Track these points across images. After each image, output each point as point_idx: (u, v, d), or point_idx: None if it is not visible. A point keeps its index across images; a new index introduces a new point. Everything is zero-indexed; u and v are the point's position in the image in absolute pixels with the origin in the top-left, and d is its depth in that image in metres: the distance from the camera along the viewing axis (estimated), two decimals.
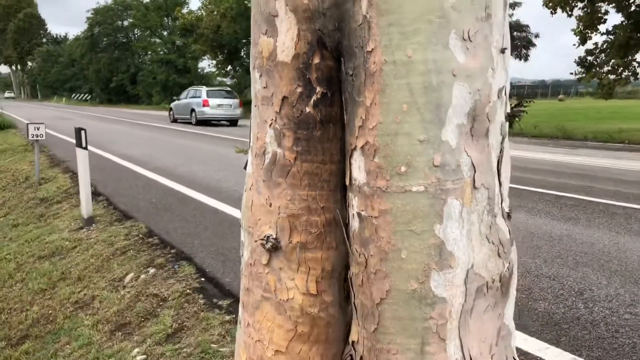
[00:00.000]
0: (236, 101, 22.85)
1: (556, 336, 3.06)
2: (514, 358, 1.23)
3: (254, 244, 1.31)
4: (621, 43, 16.68)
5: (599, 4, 16.92)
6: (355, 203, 1.13)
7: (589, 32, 17.32)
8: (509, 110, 1.18)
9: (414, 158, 1.03)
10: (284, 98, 1.19)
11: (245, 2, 28.53)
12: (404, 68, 1.02)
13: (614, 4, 16.61)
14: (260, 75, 1.24)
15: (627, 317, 3.30)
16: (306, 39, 1.16)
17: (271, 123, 1.23)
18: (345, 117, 1.16)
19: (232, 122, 22.71)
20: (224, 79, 49.21)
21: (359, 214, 1.11)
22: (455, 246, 1.06)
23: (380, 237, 1.07)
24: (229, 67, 37.18)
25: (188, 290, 3.95)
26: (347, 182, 1.16)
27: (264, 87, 1.24)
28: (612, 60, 17.31)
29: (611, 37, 17.19)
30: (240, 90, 36.05)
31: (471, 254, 1.08)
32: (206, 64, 55.26)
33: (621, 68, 17.32)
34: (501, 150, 1.14)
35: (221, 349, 3.04)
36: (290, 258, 1.25)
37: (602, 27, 17.78)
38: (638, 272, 4.09)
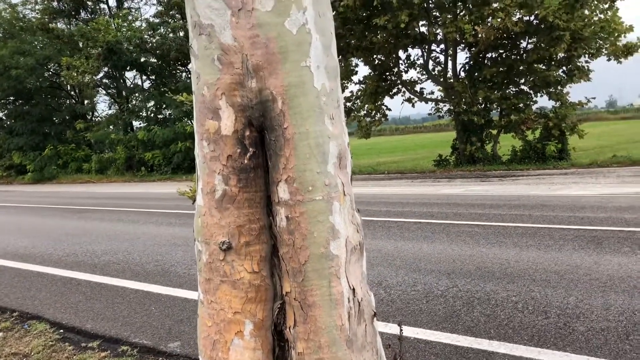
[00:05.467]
0: None
1: None
2: (367, 290, 2.20)
3: (212, 248, 2.08)
4: (371, 91, 19.86)
5: (351, 59, 19.96)
6: (282, 211, 1.99)
7: (346, 82, 20.25)
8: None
9: (315, 182, 1.95)
10: (229, 156, 2.02)
11: (5, 62, 26.54)
12: (305, 135, 1.94)
13: (362, 59, 19.74)
14: (209, 144, 2.04)
15: (413, 293, 4.61)
16: (241, 121, 2.00)
17: (219, 172, 2.04)
18: (269, 163, 2.03)
19: None
20: None
21: (286, 217, 1.98)
22: (339, 226, 1.99)
23: (301, 227, 1.96)
24: None
25: (50, 342, 4.21)
26: (275, 200, 2.02)
27: (212, 151, 2.04)
28: (366, 105, 20.43)
29: (363, 86, 20.32)
30: (2, 153, 32.94)
31: (346, 230, 2.02)
32: None
33: (374, 111, 20.54)
34: (351, 174, 2.12)
35: None
36: (239, 252, 2.05)
37: (355, 78, 20.96)
38: (414, 264, 5.53)
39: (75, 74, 25.79)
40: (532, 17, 16.45)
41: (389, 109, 20.91)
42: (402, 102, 20.83)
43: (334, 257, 1.98)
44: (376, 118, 20.75)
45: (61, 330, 4.42)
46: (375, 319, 2.17)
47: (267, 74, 1.91)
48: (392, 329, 3.73)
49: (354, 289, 2.04)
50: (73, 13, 30.01)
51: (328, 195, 1.97)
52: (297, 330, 2.01)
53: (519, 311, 4.03)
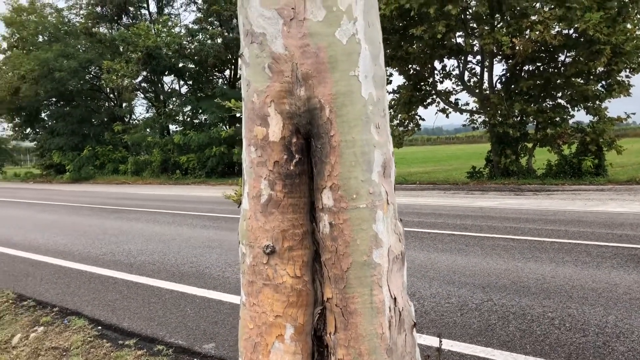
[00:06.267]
0: None
1: None
2: (408, 300, 2.20)
3: (256, 251, 2.12)
4: (405, 100, 19.79)
5: (385, 68, 19.91)
6: (326, 217, 2.02)
7: None
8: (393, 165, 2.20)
9: (359, 190, 1.97)
10: (275, 162, 2.06)
11: (50, 64, 27.35)
12: (351, 143, 1.97)
13: (397, 68, 19.71)
14: (256, 149, 2.09)
15: (447, 305, 4.57)
16: (288, 128, 2.04)
17: (265, 177, 2.08)
18: (314, 170, 2.06)
19: None
20: (21, 143, 45.47)
21: (330, 223, 2.01)
22: (382, 235, 2.01)
23: (344, 234, 1.98)
24: (29, 130, 34.82)
25: (89, 338, 4.32)
26: (319, 207, 2.05)
27: (259, 156, 2.08)
28: (400, 115, 20.37)
29: (397, 95, 20.27)
30: (43, 153, 33.89)
31: (389, 239, 2.04)
32: None
33: (407, 121, 20.46)
34: (395, 183, 2.14)
35: None
36: (282, 257, 2.09)
37: (389, 87, 20.91)
38: (448, 276, 5.49)
39: (115, 77, 26.42)
40: (572, 31, 16.20)
41: (423, 119, 20.81)
42: (436, 113, 20.71)
43: (376, 265, 2.00)
44: (409, 128, 20.66)
45: (99, 327, 4.53)
46: (414, 329, 2.18)
47: (316, 82, 1.95)
48: (427, 340, 3.72)
49: (395, 298, 2.05)
50: (115, 18, 30.77)
51: (372, 203, 1.99)
52: (338, 336, 2.03)
53: (555, 327, 3.97)
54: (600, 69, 16.54)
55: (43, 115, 33.78)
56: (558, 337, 3.79)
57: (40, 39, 31.44)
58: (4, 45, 32.11)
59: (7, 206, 15.69)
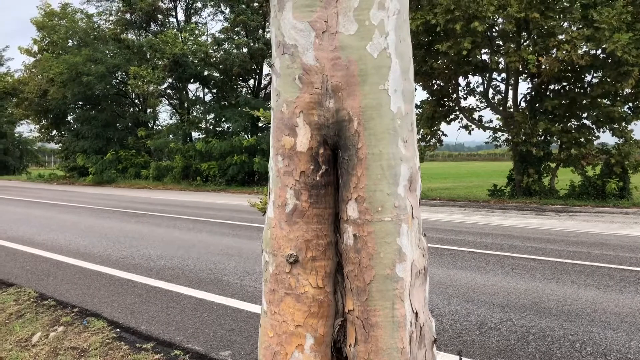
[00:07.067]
0: None
1: None
2: (429, 315, 2.19)
3: (279, 260, 2.13)
4: (428, 115, 19.74)
5: None
6: (350, 229, 2.03)
7: None
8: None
9: (385, 203, 1.98)
10: (302, 172, 2.07)
11: (78, 68, 27.86)
12: (378, 156, 1.97)
13: (421, 83, 19.68)
14: (283, 159, 2.11)
15: (466, 323, 4.53)
16: (316, 139, 2.06)
17: (291, 186, 2.10)
18: (340, 182, 2.07)
19: None
20: (46, 144, 46.28)
21: (354, 235, 2.01)
22: (406, 249, 2.01)
23: (368, 246, 1.98)
24: (54, 132, 35.45)
25: (107, 340, 4.36)
26: (344, 218, 2.06)
27: (286, 166, 2.10)
28: (422, 130, 20.31)
29: (420, 110, 20.22)
30: (68, 155, 34.44)
31: (412, 254, 2.04)
32: (25, 129, 51.54)
33: (429, 136, 20.38)
34: (420, 198, 2.14)
35: None
36: (305, 266, 2.10)
37: None
38: (467, 294, 5.44)
39: (141, 83, 26.80)
40: (599, 51, 16.04)
41: (445, 135, 20.71)
42: (459, 129, 20.60)
43: (399, 279, 2.00)
44: (431, 143, 20.57)
45: (117, 329, 4.57)
46: (435, 345, 2.17)
47: (346, 95, 1.97)
48: (444, 358, 3.68)
49: (416, 313, 2.05)
50: (144, 25, 31.26)
51: (397, 217, 1.99)
52: (358, 349, 2.02)
53: (576, 351, 3.91)
54: (628, 90, 16.33)
55: (69, 118, 34.35)
56: None
57: (70, 44, 32.05)
58: (35, 48, 32.81)
59: (32, 206, 15.96)
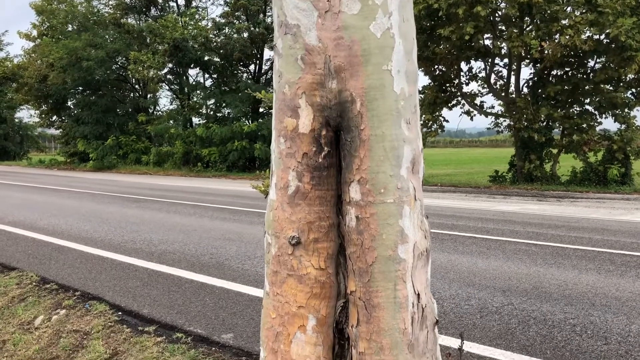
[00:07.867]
0: None
1: None
2: (431, 297, 2.19)
3: (281, 242, 2.13)
4: (430, 101, 19.67)
5: None
6: (353, 211, 2.02)
7: None
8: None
9: (387, 185, 1.97)
10: (304, 153, 2.06)
11: (78, 53, 27.71)
12: (381, 138, 1.96)
13: (422, 69, 19.58)
14: (285, 140, 2.10)
15: (467, 307, 4.54)
16: (318, 120, 2.05)
17: (293, 168, 2.09)
18: (343, 163, 2.06)
19: None
20: (47, 130, 46.22)
21: (356, 217, 2.01)
22: (408, 231, 2.00)
23: (371, 228, 1.98)
24: (54, 117, 35.39)
25: (109, 323, 4.38)
26: (346, 200, 2.05)
27: (288, 147, 2.09)
28: (423, 115, 20.24)
29: (421, 96, 20.14)
30: (68, 140, 34.40)
31: (415, 235, 2.03)
32: (25, 114, 51.46)
33: (431, 122, 20.32)
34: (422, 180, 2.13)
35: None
36: (307, 248, 2.09)
37: None
38: (468, 278, 5.45)
39: (141, 69, 26.69)
40: (603, 36, 15.93)
41: (447, 121, 20.64)
42: (461, 115, 20.55)
43: (401, 260, 1.99)
44: (432, 129, 20.52)
45: (119, 313, 4.59)
46: (436, 326, 2.17)
47: (348, 75, 1.95)
48: (445, 340, 3.70)
49: (418, 294, 2.05)
50: (144, 10, 31.06)
51: (399, 198, 1.98)
52: (360, 329, 2.03)
53: (577, 334, 3.92)
54: (631, 76, 16.26)
55: (69, 103, 34.24)
56: (579, 344, 3.74)
57: (70, 28, 31.84)
58: (34, 33, 32.63)
59: (33, 191, 15.98)
